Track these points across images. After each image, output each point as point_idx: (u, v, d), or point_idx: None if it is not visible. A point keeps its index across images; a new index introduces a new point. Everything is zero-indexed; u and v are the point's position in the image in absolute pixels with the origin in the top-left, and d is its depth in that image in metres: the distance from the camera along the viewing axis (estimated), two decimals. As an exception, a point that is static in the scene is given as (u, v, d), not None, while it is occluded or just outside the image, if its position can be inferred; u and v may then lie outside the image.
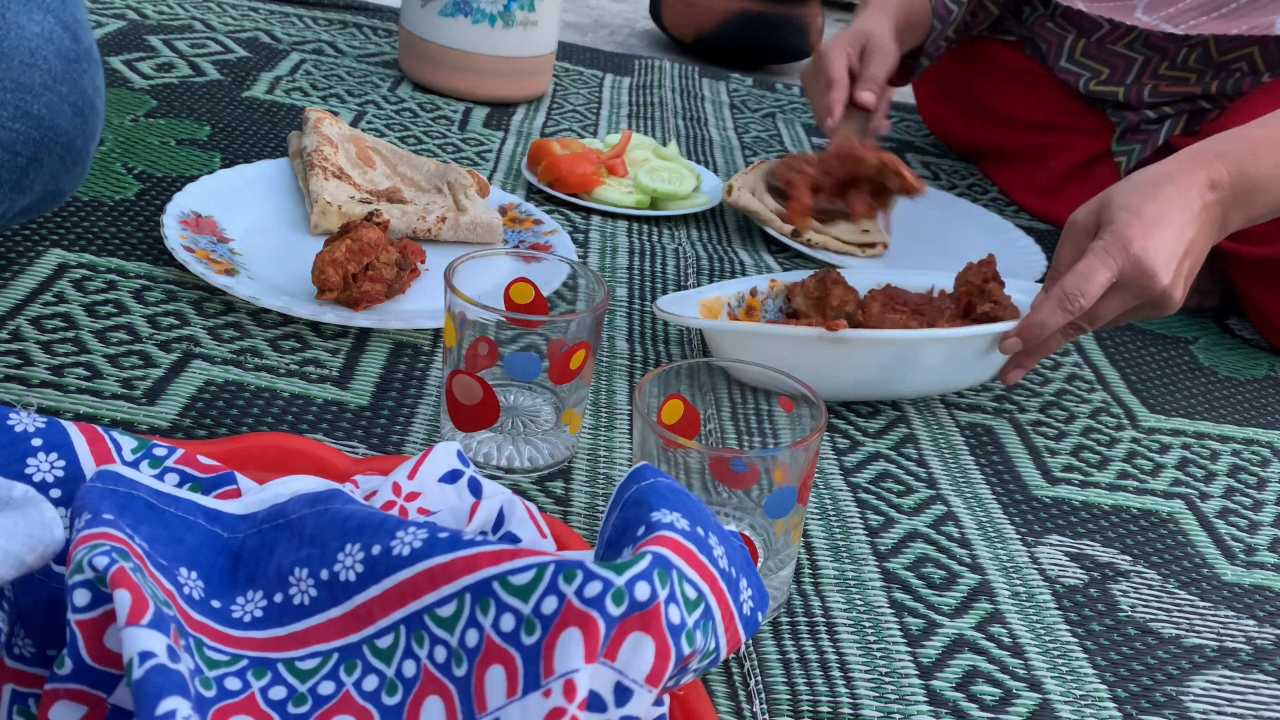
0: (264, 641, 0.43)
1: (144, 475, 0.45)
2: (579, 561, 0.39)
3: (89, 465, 0.46)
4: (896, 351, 0.74)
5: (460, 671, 0.40)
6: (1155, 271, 0.71)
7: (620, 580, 0.38)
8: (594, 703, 0.38)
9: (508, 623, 0.39)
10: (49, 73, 0.50)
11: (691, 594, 0.40)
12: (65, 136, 0.54)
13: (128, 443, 0.47)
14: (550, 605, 0.38)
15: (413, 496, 0.50)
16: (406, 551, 0.42)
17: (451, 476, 0.51)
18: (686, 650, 0.39)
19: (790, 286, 0.83)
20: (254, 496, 0.47)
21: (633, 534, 0.42)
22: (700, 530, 0.43)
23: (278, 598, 0.44)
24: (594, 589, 0.38)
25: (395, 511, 0.49)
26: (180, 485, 0.47)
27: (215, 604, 0.44)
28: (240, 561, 0.45)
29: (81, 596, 0.38)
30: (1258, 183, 0.76)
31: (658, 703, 0.43)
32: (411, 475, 0.50)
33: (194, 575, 0.44)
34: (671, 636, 0.39)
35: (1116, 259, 0.71)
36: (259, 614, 0.44)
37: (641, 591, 0.38)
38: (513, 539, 0.49)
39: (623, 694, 0.38)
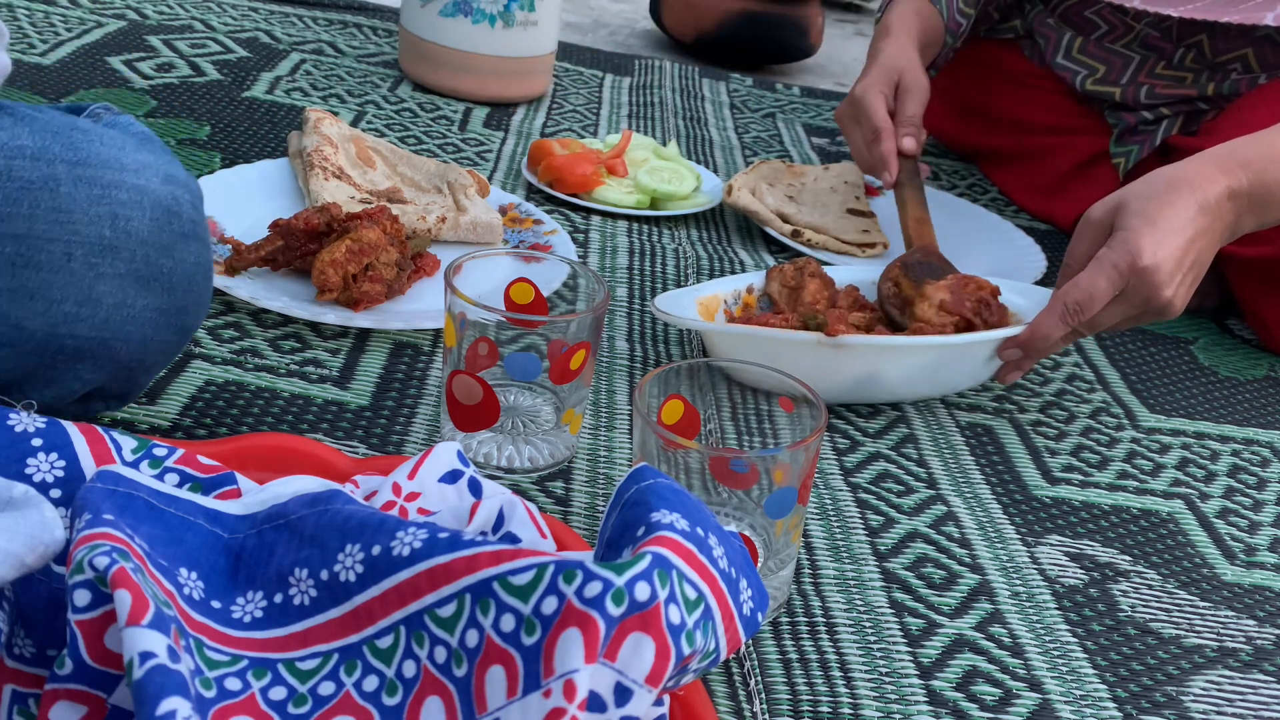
0: (264, 642, 0.43)
1: (144, 476, 0.45)
2: (579, 561, 0.39)
3: (89, 465, 0.46)
4: (895, 358, 0.74)
5: (460, 672, 0.40)
6: (1160, 285, 0.71)
7: (620, 580, 0.38)
8: (594, 703, 0.38)
9: (508, 623, 0.39)
10: (204, 293, 0.56)
11: (691, 594, 0.40)
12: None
13: (128, 443, 0.47)
14: (550, 605, 0.38)
15: (413, 496, 0.50)
16: (406, 552, 0.42)
17: (451, 476, 0.51)
18: (686, 650, 0.39)
19: (769, 271, 0.83)
20: (254, 497, 0.47)
21: (632, 535, 0.42)
22: (700, 531, 0.43)
23: (278, 598, 0.44)
24: (594, 589, 0.38)
25: (395, 512, 0.49)
26: (180, 485, 0.47)
27: (215, 604, 0.44)
28: (240, 562, 0.45)
29: (82, 597, 0.38)
30: (1276, 193, 0.75)
31: (658, 703, 0.43)
32: (411, 475, 0.50)
33: (194, 576, 0.44)
34: (671, 637, 0.39)
35: (1123, 272, 0.71)
36: (259, 614, 0.44)
37: (641, 592, 0.38)
38: (513, 539, 0.49)
39: (623, 694, 0.38)
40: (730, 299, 0.81)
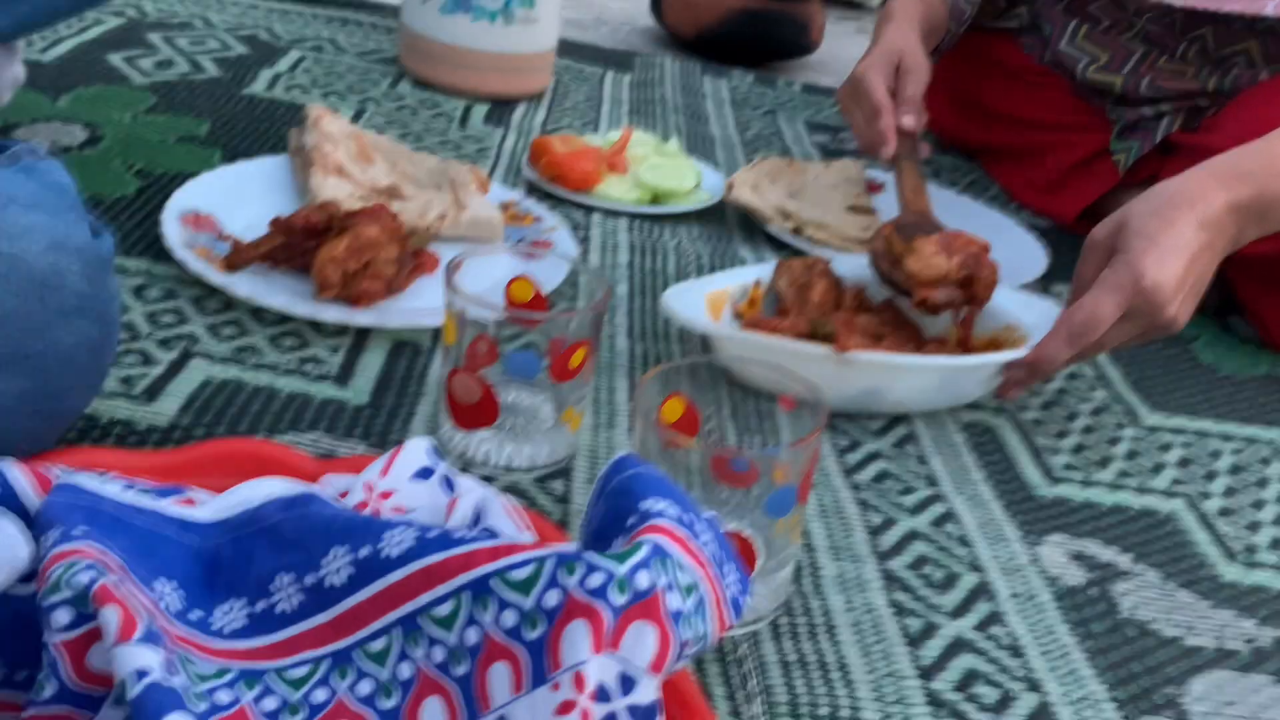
0: (249, 651, 0.42)
1: (105, 485, 0.44)
2: (578, 554, 0.39)
3: (19, 483, 0.44)
4: (902, 376, 0.74)
5: (461, 671, 0.40)
6: (1164, 304, 0.71)
7: (622, 570, 0.38)
8: (600, 693, 0.38)
9: (509, 619, 0.39)
10: (88, 375, 0.51)
11: (686, 580, 0.40)
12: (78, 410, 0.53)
13: (55, 468, 0.46)
14: (553, 599, 0.39)
15: (386, 495, 0.49)
16: (396, 553, 0.41)
17: (424, 473, 0.51)
18: (686, 636, 0.40)
19: (778, 266, 0.83)
20: (223, 502, 0.46)
21: (623, 524, 0.43)
22: (688, 517, 0.43)
23: (260, 606, 0.43)
24: (596, 580, 0.38)
25: (369, 511, 0.49)
26: (128, 490, 0.46)
27: (195, 615, 0.43)
28: (218, 570, 0.44)
29: (62, 616, 0.37)
30: (1276, 204, 0.75)
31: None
32: (384, 473, 0.50)
33: (171, 587, 0.43)
34: (671, 623, 0.39)
35: (1126, 293, 0.71)
36: (242, 623, 0.43)
37: (642, 580, 0.39)
38: (492, 534, 0.48)
39: (627, 683, 0.38)
40: (737, 293, 0.81)
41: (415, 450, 0.51)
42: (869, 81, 1.00)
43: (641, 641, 0.38)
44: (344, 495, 0.49)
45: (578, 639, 0.38)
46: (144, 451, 0.52)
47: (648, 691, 0.38)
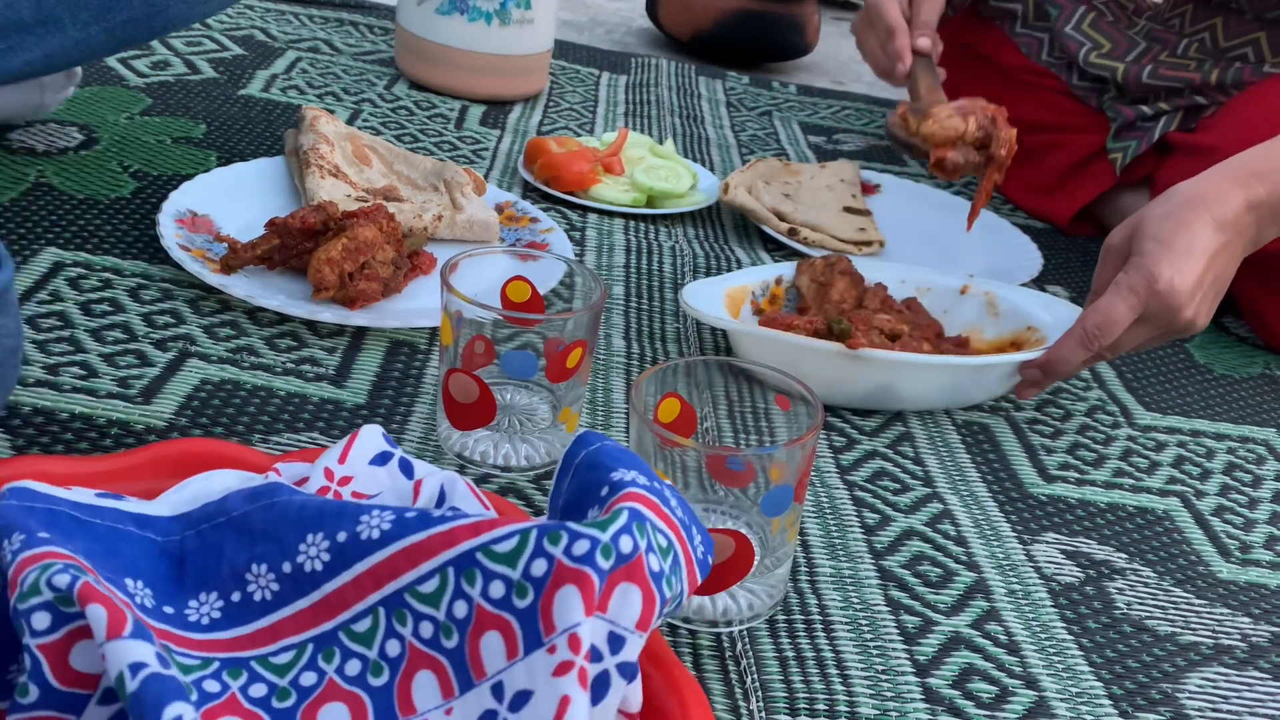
0: (229, 641, 0.43)
1: (55, 490, 0.44)
2: (560, 524, 0.41)
3: None
4: (914, 374, 0.75)
5: (451, 643, 0.41)
6: (1180, 307, 0.71)
7: (605, 536, 0.40)
8: (593, 653, 0.40)
9: (497, 589, 0.40)
10: None
11: (663, 542, 0.42)
12: None
13: None
14: (540, 567, 0.40)
15: (345, 480, 0.50)
16: (376, 535, 0.42)
17: (382, 459, 0.51)
18: (667, 594, 0.41)
19: (799, 264, 0.83)
20: (178, 495, 0.47)
21: (596, 495, 0.44)
22: (656, 485, 0.44)
23: (235, 596, 0.43)
24: (582, 547, 0.40)
25: (330, 497, 0.49)
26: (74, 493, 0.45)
27: (168, 610, 0.43)
28: (185, 565, 0.44)
29: (41, 620, 0.37)
30: None
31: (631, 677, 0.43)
32: (342, 459, 0.50)
33: (140, 584, 0.43)
34: (654, 583, 0.41)
35: (1141, 296, 0.71)
36: (217, 615, 0.43)
37: (625, 544, 0.40)
38: (462, 514, 0.49)
39: (616, 642, 0.40)
40: (758, 290, 0.81)
41: (370, 436, 0.51)
42: (883, 5, 1.02)
43: (628, 602, 0.40)
44: (301, 483, 0.49)
45: (570, 603, 0.39)
46: (90, 458, 0.50)
47: (634, 649, 0.40)
